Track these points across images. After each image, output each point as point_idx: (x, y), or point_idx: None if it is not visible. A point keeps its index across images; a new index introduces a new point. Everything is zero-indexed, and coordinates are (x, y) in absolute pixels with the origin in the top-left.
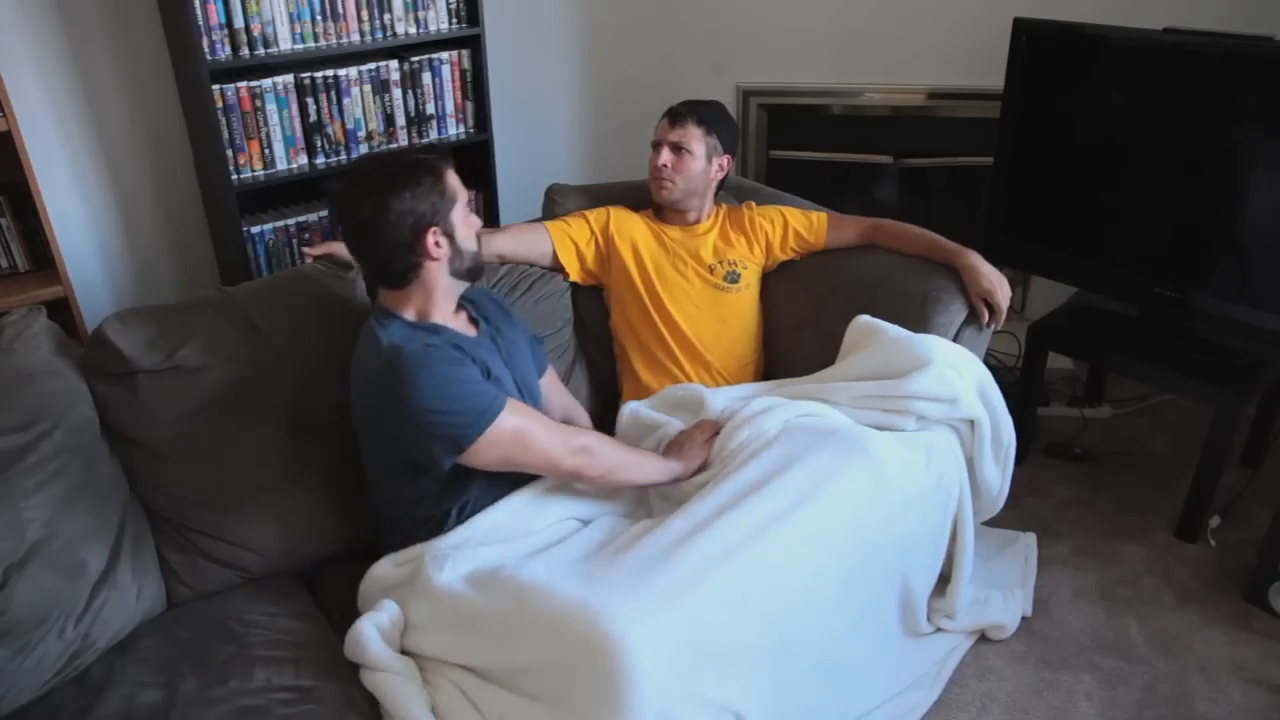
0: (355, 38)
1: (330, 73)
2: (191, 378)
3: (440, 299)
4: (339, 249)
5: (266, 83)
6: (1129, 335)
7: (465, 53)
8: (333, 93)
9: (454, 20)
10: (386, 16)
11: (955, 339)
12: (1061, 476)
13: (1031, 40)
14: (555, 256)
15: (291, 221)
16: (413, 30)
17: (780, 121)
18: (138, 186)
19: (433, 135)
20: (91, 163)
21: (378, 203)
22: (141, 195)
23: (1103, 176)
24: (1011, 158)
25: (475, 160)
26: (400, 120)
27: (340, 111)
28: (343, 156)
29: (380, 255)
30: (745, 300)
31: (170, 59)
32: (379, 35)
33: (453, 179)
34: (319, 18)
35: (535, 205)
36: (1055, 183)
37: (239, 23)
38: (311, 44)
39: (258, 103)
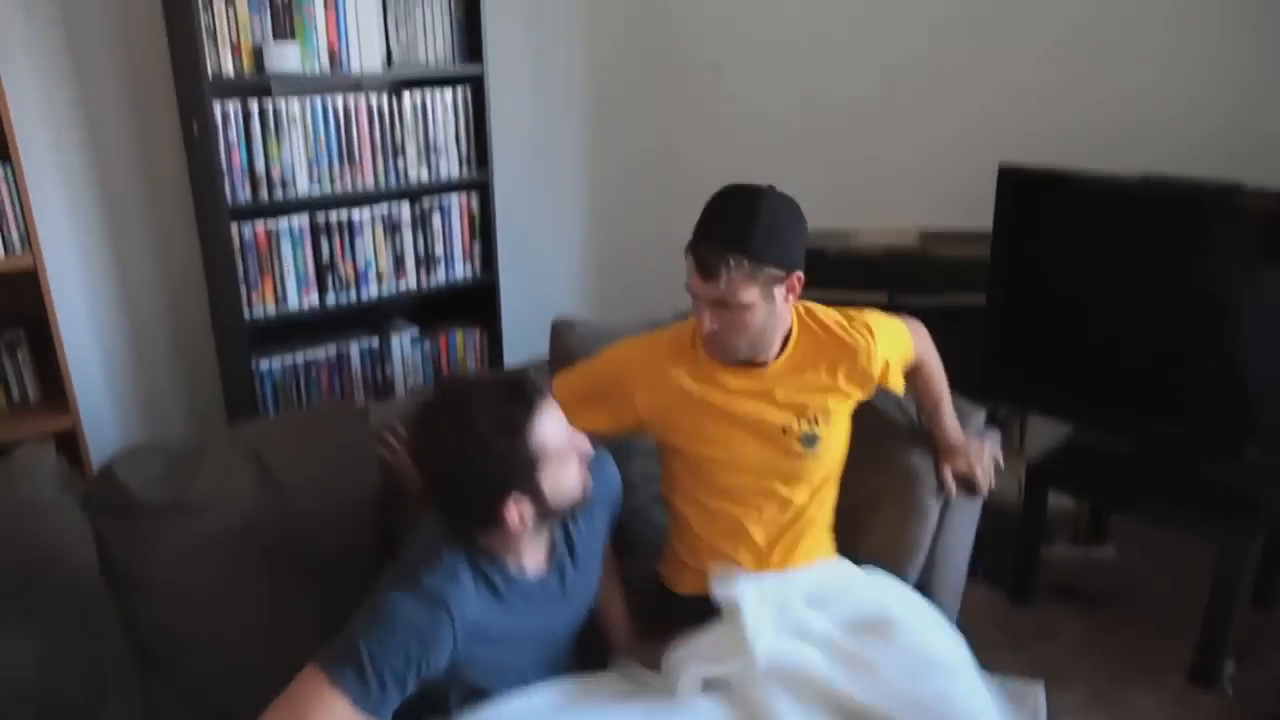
0: (370, 182)
1: (344, 214)
2: (195, 517)
3: (524, 547)
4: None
5: (283, 223)
6: (1128, 473)
7: (474, 195)
8: (346, 233)
9: (464, 166)
10: (400, 162)
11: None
12: (1068, 619)
13: (1017, 185)
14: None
15: (300, 358)
16: (425, 175)
17: None
18: (152, 320)
19: (441, 275)
20: (110, 296)
21: (445, 466)
22: (155, 329)
23: (1093, 315)
24: (1004, 297)
25: (481, 299)
26: (409, 260)
27: (352, 251)
28: (352, 294)
29: (452, 511)
30: (823, 463)
31: (192, 198)
32: (392, 179)
33: (543, 430)
34: (336, 163)
35: (540, 340)
36: (1048, 321)
37: (260, 167)
38: (328, 187)
39: (273, 242)
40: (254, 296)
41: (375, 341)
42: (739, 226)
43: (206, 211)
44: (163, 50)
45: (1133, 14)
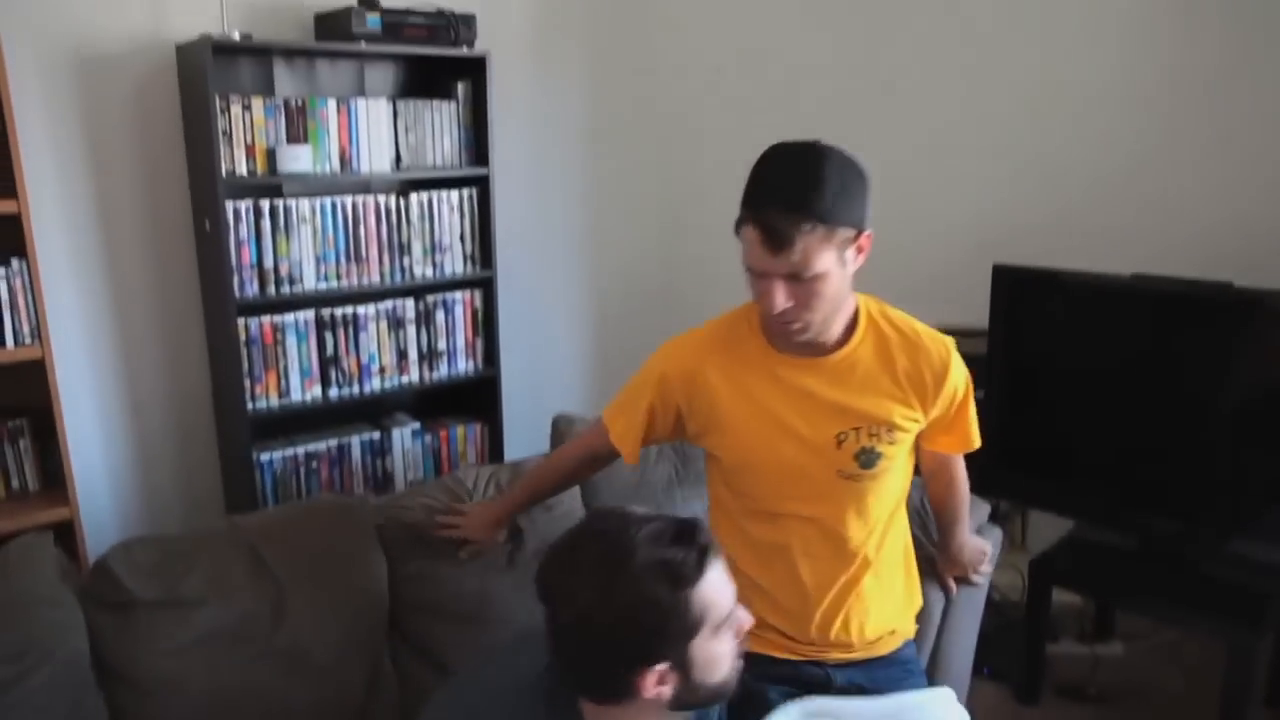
0: (375, 278)
1: (349, 310)
2: (189, 611)
3: None
4: (475, 531)
5: (289, 317)
6: (1131, 568)
7: (478, 292)
8: (350, 328)
9: (469, 263)
10: (406, 260)
11: (947, 608)
12: (1076, 719)
13: (1011, 284)
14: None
15: (300, 450)
16: (430, 273)
17: None
18: (155, 411)
19: (443, 370)
20: (115, 387)
21: (586, 608)
22: (157, 420)
23: (1091, 411)
24: (1002, 393)
25: (483, 394)
26: (413, 355)
27: (356, 346)
28: (355, 388)
29: (578, 668)
30: (885, 493)
31: (200, 292)
32: (398, 276)
33: (710, 588)
34: (343, 259)
35: (541, 436)
36: (1047, 417)
37: (269, 263)
38: (334, 283)
39: (279, 335)
40: (257, 389)
41: (376, 435)
42: (807, 188)
43: (214, 305)
44: (180, 150)
45: (1125, 118)
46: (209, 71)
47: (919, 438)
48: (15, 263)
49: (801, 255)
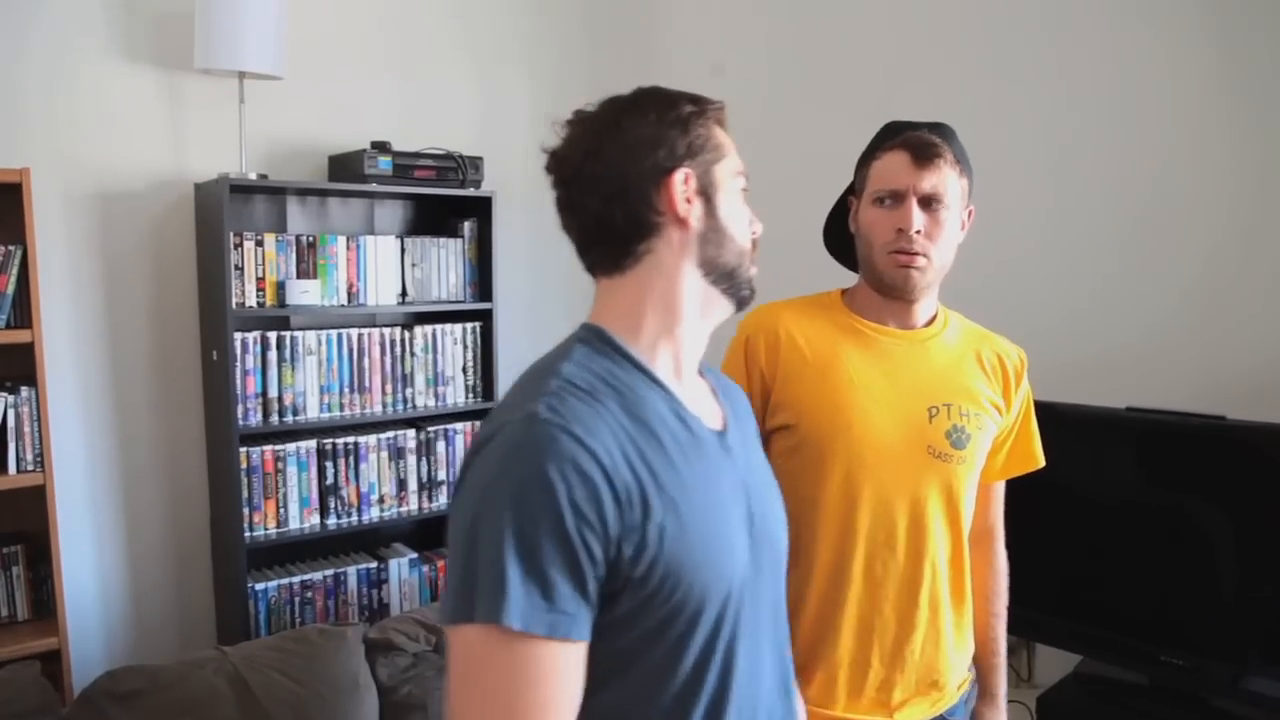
0: (378, 409)
1: (350, 440)
2: None
3: (681, 311)
4: None
5: (290, 447)
6: (1140, 706)
7: (479, 424)
8: (351, 458)
9: (470, 395)
10: (409, 391)
11: None
12: None
13: None
14: None
15: (296, 579)
16: (432, 404)
17: None
18: (152, 538)
19: (442, 500)
20: (113, 513)
21: (606, 122)
22: (154, 548)
23: (1092, 544)
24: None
25: None
26: (412, 484)
27: (356, 475)
28: (354, 517)
29: (597, 205)
30: (968, 484)
31: (204, 420)
32: (400, 406)
33: (726, 135)
34: (347, 390)
35: None
36: (1048, 549)
37: (273, 393)
38: (337, 413)
39: (280, 464)
40: (256, 517)
41: (373, 565)
42: (944, 130)
43: (217, 434)
44: (192, 282)
45: (1118, 254)
46: (225, 209)
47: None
48: (25, 390)
49: (942, 176)
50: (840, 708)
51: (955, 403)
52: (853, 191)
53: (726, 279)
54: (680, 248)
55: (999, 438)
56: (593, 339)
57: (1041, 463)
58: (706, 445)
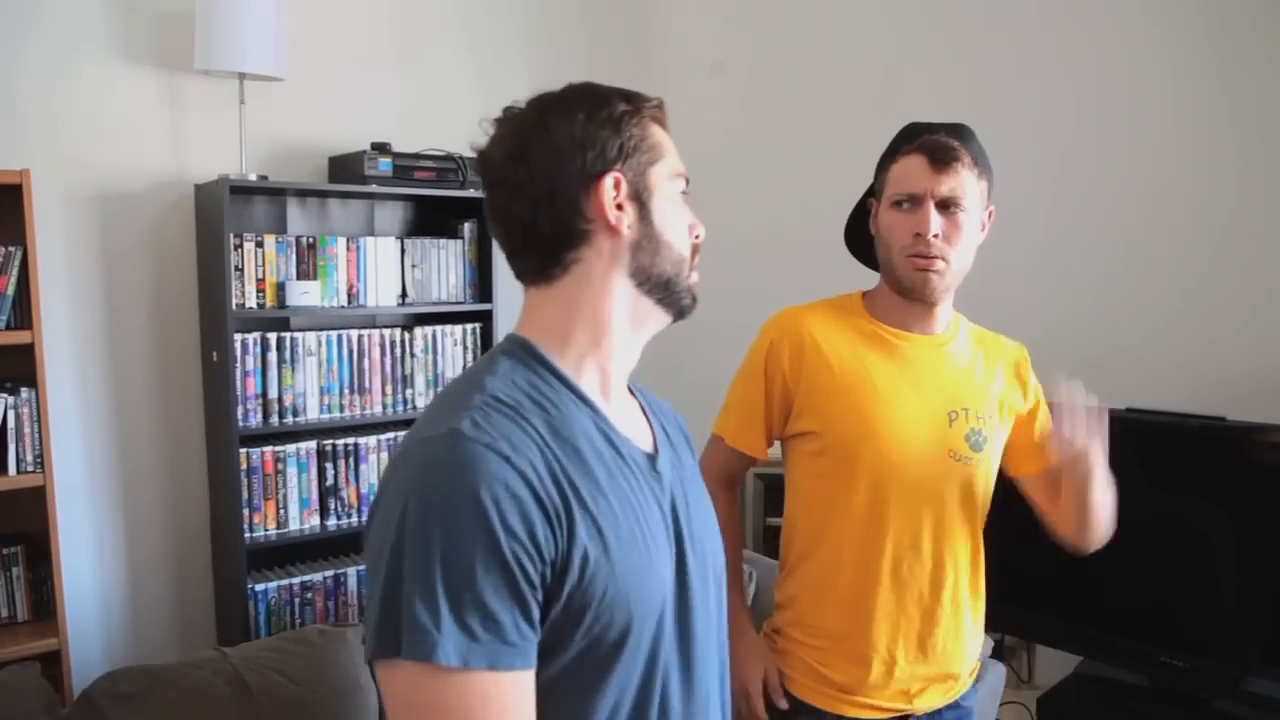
0: (378, 409)
1: (351, 440)
2: None
3: (610, 323)
4: (772, 677)
5: (290, 448)
6: (1140, 707)
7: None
8: (351, 459)
9: None
10: (409, 391)
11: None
12: None
13: None
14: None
15: (296, 580)
16: None
17: (776, 490)
18: (152, 540)
19: None
20: (112, 513)
21: (532, 122)
22: (154, 549)
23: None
24: (1004, 526)
25: None
26: None
27: (356, 476)
28: (354, 519)
29: (522, 211)
30: (977, 479)
31: (204, 422)
32: (400, 407)
33: (664, 134)
34: (347, 391)
35: None
36: (1048, 550)
37: (273, 394)
38: (337, 414)
39: (280, 466)
40: (255, 518)
41: None
42: (963, 133)
43: (217, 435)
44: (192, 283)
45: (1120, 256)
46: (225, 210)
47: (1021, 478)
48: (25, 391)
49: (959, 179)
50: (866, 696)
51: (973, 406)
52: (873, 194)
53: (662, 289)
54: (611, 257)
55: (1026, 428)
56: (518, 351)
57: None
58: (634, 467)
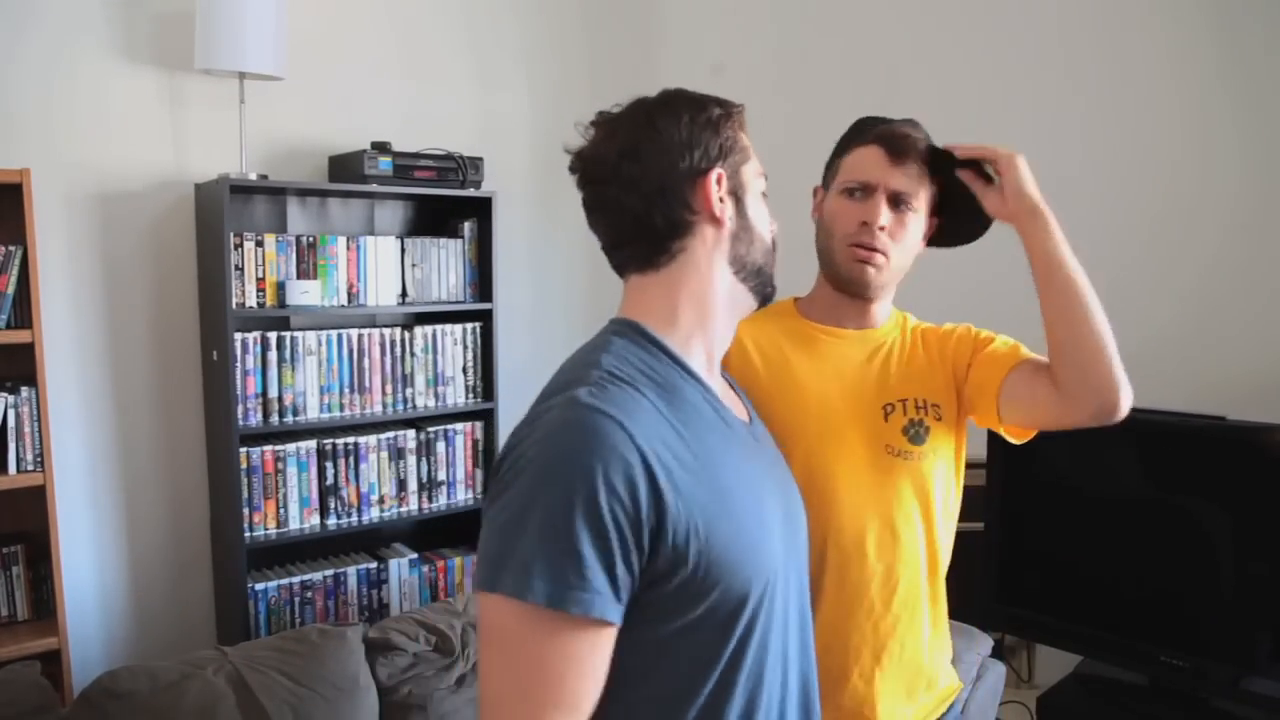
0: (378, 409)
1: (351, 440)
2: None
3: (713, 307)
4: None
5: (290, 447)
6: (1140, 706)
7: (479, 424)
8: (351, 458)
9: (470, 396)
10: (409, 391)
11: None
12: None
13: None
14: None
15: (296, 580)
16: (431, 404)
17: None
18: (151, 539)
19: (442, 501)
20: (112, 512)
21: (641, 123)
22: (154, 548)
23: (1093, 543)
24: (1002, 525)
25: (480, 525)
26: (412, 485)
27: (356, 475)
28: (354, 517)
29: (635, 205)
30: (923, 474)
31: (204, 421)
32: (400, 406)
33: (747, 138)
34: (346, 390)
35: None
36: (1048, 549)
37: (273, 393)
38: (337, 413)
39: (280, 465)
40: (255, 518)
41: (373, 565)
42: (917, 130)
43: (217, 434)
44: (192, 282)
45: (1120, 256)
46: (225, 209)
47: (987, 406)
48: (25, 390)
49: (912, 175)
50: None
51: (910, 397)
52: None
53: (754, 276)
54: (714, 246)
55: (972, 379)
56: (629, 332)
57: (1020, 347)
58: (740, 435)
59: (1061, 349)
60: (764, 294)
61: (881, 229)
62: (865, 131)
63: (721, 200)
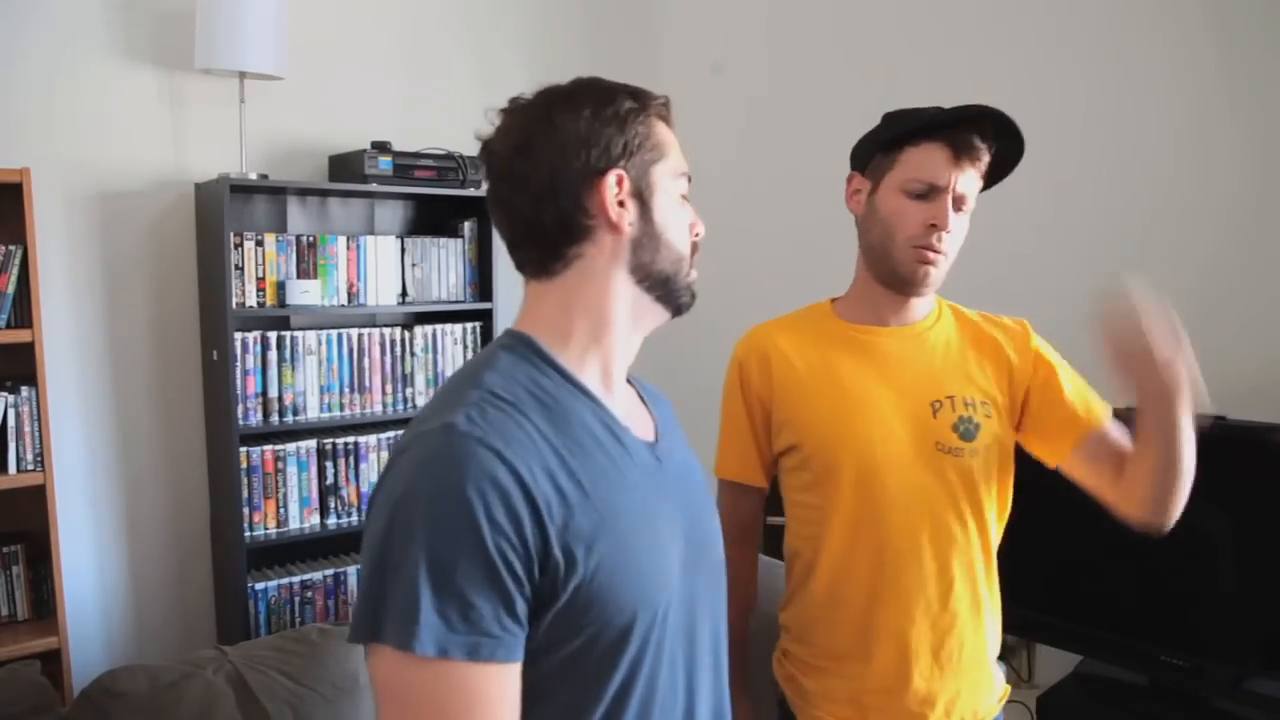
0: (378, 408)
1: (351, 440)
2: None
3: (612, 319)
4: None
5: (290, 447)
6: (1140, 706)
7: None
8: (351, 458)
9: None
10: (409, 390)
11: None
12: None
13: None
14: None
15: (296, 579)
16: None
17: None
18: (151, 538)
19: None
20: (112, 512)
21: (538, 117)
22: (154, 547)
23: (1093, 544)
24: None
25: None
26: None
27: (356, 475)
28: (354, 517)
29: (525, 205)
30: (974, 471)
31: (204, 421)
32: (400, 406)
33: (669, 132)
34: (347, 390)
35: None
36: (1048, 549)
37: (273, 393)
38: (337, 413)
39: (280, 464)
40: (255, 517)
41: None
42: (1000, 118)
43: (218, 434)
44: (192, 282)
45: (1119, 255)
46: (226, 209)
47: (1048, 456)
48: (25, 390)
49: (976, 178)
50: (879, 717)
51: (959, 394)
52: (861, 170)
53: (661, 286)
54: (612, 253)
55: (1046, 399)
56: (518, 346)
57: (1104, 410)
58: (638, 457)
59: (1152, 482)
60: (676, 304)
61: (947, 233)
62: (925, 125)
63: (621, 204)
